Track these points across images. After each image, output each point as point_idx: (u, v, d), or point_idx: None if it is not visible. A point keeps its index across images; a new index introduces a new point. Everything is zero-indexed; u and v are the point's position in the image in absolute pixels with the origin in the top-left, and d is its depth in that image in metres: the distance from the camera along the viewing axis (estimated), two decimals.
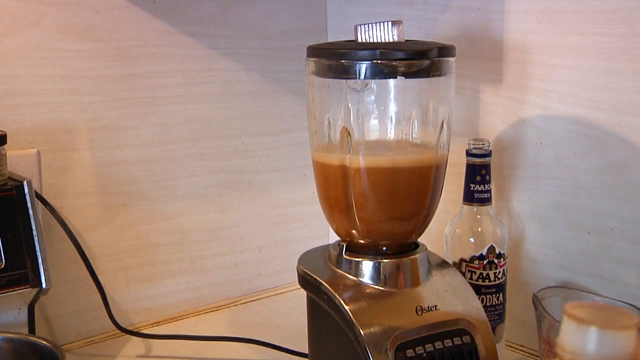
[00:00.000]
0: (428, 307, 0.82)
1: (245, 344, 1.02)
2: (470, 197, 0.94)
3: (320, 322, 0.86)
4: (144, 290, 1.11)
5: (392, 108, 0.86)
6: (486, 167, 0.93)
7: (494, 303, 0.94)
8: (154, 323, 1.12)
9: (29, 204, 0.90)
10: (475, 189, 0.93)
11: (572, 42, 0.94)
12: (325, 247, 0.90)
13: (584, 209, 0.95)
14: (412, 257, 0.84)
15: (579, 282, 0.97)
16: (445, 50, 0.82)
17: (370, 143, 0.86)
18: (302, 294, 0.88)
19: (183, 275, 1.15)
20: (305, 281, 0.86)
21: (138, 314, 1.11)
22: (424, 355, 0.79)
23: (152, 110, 1.08)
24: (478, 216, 0.94)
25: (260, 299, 1.21)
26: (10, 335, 0.83)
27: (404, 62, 0.79)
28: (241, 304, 1.19)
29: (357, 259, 0.84)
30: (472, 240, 0.94)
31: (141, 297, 1.11)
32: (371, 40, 0.83)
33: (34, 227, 0.89)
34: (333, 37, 1.23)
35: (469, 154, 0.93)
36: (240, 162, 1.18)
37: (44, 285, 0.89)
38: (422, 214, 0.85)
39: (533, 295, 0.89)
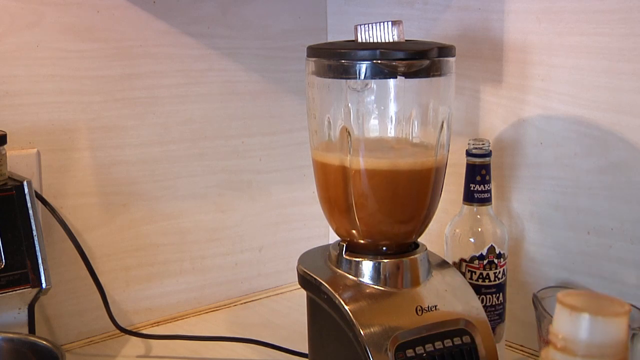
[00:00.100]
0: (428, 307, 0.82)
1: (245, 344, 1.02)
2: (470, 197, 0.94)
3: (320, 322, 0.86)
4: (144, 290, 1.11)
5: (392, 108, 0.86)
6: (486, 167, 0.93)
7: (494, 303, 0.94)
8: (154, 323, 1.12)
9: (29, 204, 0.90)
10: (475, 189, 0.93)
11: (572, 42, 0.94)
12: (325, 247, 0.90)
13: (584, 209, 0.95)
14: (412, 257, 0.84)
15: (579, 282, 0.97)
16: (445, 50, 0.82)
17: (371, 143, 0.86)
18: (302, 294, 0.88)
19: (183, 275, 1.15)
20: (305, 281, 0.86)
21: (138, 314, 1.11)
22: (424, 355, 0.79)
23: (152, 110, 1.08)
24: (478, 216, 0.94)
25: (260, 299, 1.21)
26: (10, 335, 0.83)
27: (404, 62, 0.79)
28: (241, 304, 1.19)
29: (357, 259, 0.84)
30: (472, 240, 0.94)
31: (141, 297, 1.11)
32: (371, 40, 0.83)
33: (34, 227, 0.89)
34: (333, 37, 1.23)
35: (469, 154, 0.93)
36: (240, 162, 1.18)
37: (44, 285, 0.89)
38: (422, 214, 0.85)
39: (533, 295, 0.89)
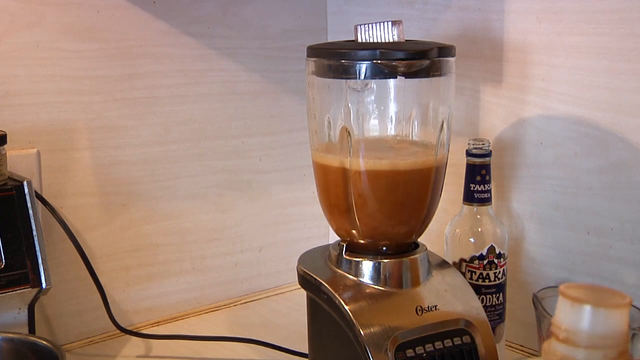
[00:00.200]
0: (428, 307, 0.82)
1: (245, 344, 1.02)
2: (470, 197, 0.94)
3: (320, 322, 0.86)
4: (144, 290, 1.11)
5: (392, 108, 0.86)
6: (486, 167, 0.93)
7: (494, 303, 0.94)
8: (154, 323, 1.12)
9: (29, 204, 0.90)
10: (475, 189, 0.93)
11: (572, 42, 0.94)
12: (325, 247, 0.90)
13: (584, 209, 0.95)
14: (412, 257, 0.84)
15: (579, 282, 0.97)
16: (445, 50, 0.82)
17: (371, 143, 0.86)
18: (302, 294, 0.88)
19: (183, 275, 1.15)
20: (305, 281, 0.86)
21: (138, 314, 1.11)
22: (424, 355, 0.79)
23: (152, 110, 1.08)
24: (478, 216, 0.94)
25: (260, 299, 1.21)
26: (10, 335, 0.83)
27: (404, 62, 0.79)
28: (241, 304, 1.19)
29: (357, 259, 0.84)
30: (472, 240, 0.94)
31: (141, 297, 1.11)
32: (371, 40, 0.83)
33: (34, 227, 0.89)
34: (333, 37, 1.23)
35: (469, 154, 0.93)
36: (240, 162, 1.18)
37: (44, 285, 0.89)
38: (422, 214, 0.85)
39: (533, 295, 0.89)
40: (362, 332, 0.78)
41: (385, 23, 0.83)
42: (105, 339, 1.06)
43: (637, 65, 0.89)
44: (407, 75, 0.80)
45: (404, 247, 0.86)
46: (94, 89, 1.03)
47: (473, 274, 0.93)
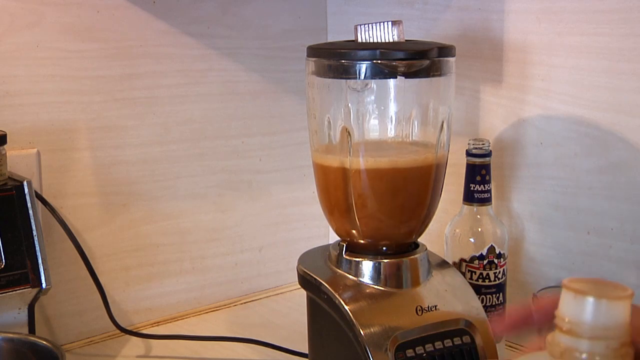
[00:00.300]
0: (428, 307, 0.82)
1: (245, 344, 1.02)
2: (470, 197, 0.94)
3: (320, 322, 0.86)
4: (144, 290, 1.11)
5: (392, 108, 0.86)
6: (486, 167, 0.93)
7: (494, 303, 0.94)
8: (154, 323, 1.12)
9: (29, 204, 0.90)
10: (475, 189, 0.93)
11: (572, 42, 0.94)
12: (325, 247, 0.90)
13: (584, 209, 0.95)
14: (412, 257, 0.84)
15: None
16: (445, 50, 0.82)
17: (371, 143, 0.86)
18: (302, 294, 0.88)
19: (183, 275, 1.15)
20: (305, 281, 0.86)
21: (138, 314, 1.11)
22: (424, 355, 0.79)
23: (152, 110, 1.08)
24: (478, 216, 0.94)
25: (260, 299, 1.21)
26: (10, 335, 0.83)
27: (404, 62, 0.79)
28: (241, 304, 1.19)
29: (357, 259, 0.84)
30: (472, 240, 0.94)
31: (141, 297, 1.11)
32: (371, 40, 0.83)
33: (34, 227, 0.89)
34: (333, 37, 1.23)
35: (469, 154, 0.93)
36: (240, 162, 1.18)
37: (44, 285, 0.89)
38: (422, 214, 0.85)
39: (533, 295, 0.89)
40: (362, 332, 0.78)
41: (385, 23, 0.83)
42: (105, 339, 1.06)
43: (637, 65, 0.89)
44: (407, 75, 0.80)
45: (404, 247, 0.86)
46: (94, 89, 1.03)
47: (473, 274, 0.93)
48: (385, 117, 0.86)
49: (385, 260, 0.83)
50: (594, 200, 0.94)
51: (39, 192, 0.97)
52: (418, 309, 0.81)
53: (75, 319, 1.05)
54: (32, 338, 0.83)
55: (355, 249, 0.85)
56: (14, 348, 0.82)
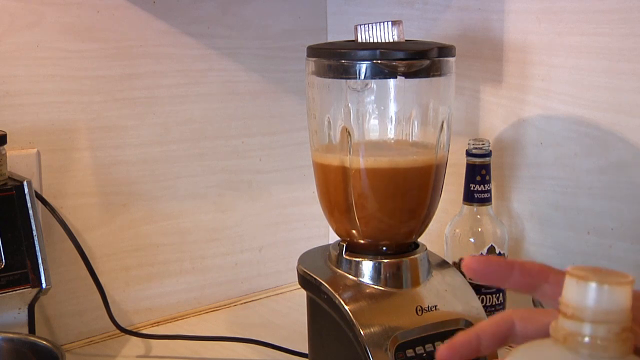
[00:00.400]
0: (428, 307, 0.82)
1: (245, 344, 1.02)
2: (470, 197, 0.94)
3: (320, 322, 0.86)
4: (144, 290, 1.11)
5: (392, 108, 0.86)
6: (486, 167, 0.93)
7: (494, 303, 0.94)
8: (154, 323, 1.12)
9: (29, 204, 0.90)
10: (475, 189, 0.93)
11: (572, 42, 0.94)
12: (325, 247, 0.90)
13: (584, 209, 0.95)
14: (412, 257, 0.84)
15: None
16: (445, 50, 0.82)
17: (371, 143, 0.86)
18: (302, 294, 0.88)
19: (183, 275, 1.15)
20: (305, 281, 0.86)
21: (138, 314, 1.11)
22: (424, 355, 0.79)
23: (152, 110, 1.08)
24: (478, 216, 0.94)
25: (260, 299, 1.21)
26: (10, 335, 0.83)
27: (404, 62, 0.79)
28: (241, 304, 1.19)
29: (357, 259, 0.84)
30: (472, 240, 0.94)
31: (141, 297, 1.11)
32: (371, 40, 0.83)
33: (34, 227, 0.89)
34: (333, 37, 1.23)
35: (469, 154, 0.93)
36: (240, 162, 1.18)
37: (44, 285, 0.89)
38: (422, 214, 0.85)
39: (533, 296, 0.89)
40: (362, 332, 0.78)
41: (385, 23, 0.83)
42: (105, 339, 1.06)
43: (637, 65, 0.89)
44: (407, 75, 0.80)
45: (404, 247, 0.86)
46: (94, 89, 1.03)
47: None
48: (385, 117, 0.86)
49: (385, 260, 0.83)
50: (594, 200, 0.94)
51: (39, 192, 0.97)
52: (418, 309, 0.81)
53: (75, 319, 1.05)
54: (32, 338, 0.83)
55: (355, 249, 0.85)
56: (14, 348, 0.82)
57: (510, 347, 0.48)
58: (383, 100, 0.85)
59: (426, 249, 0.87)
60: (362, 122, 0.85)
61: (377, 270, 0.83)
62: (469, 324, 0.82)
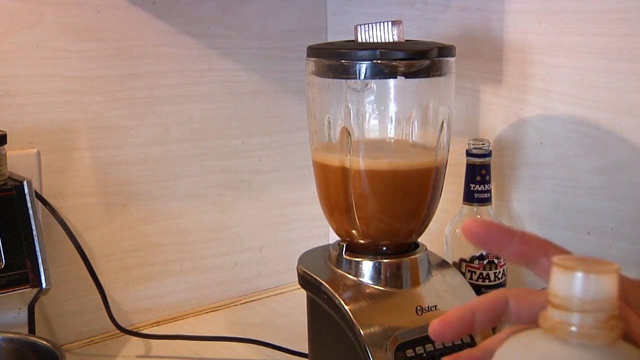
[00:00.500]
0: (428, 307, 0.82)
1: (245, 344, 1.02)
2: (470, 197, 0.94)
3: (320, 322, 0.86)
4: (144, 290, 1.11)
5: (392, 108, 0.86)
6: (486, 167, 0.93)
7: None
8: (154, 323, 1.12)
9: (29, 204, 0.90)
10: (475, 189, 0.93)
11: (572, 42, 0.94)
12: (325, 247, 0.90)
13: (584, 209, 0.95)
14: (412, 257, 0.84)
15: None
16: (445, 50, 0.82)
17: (371, 143, 0.86)
18: (302, 294, 0.88)
19: (183, 275, 1.15)
20: (305, 281, 0.86)
21: (138, 314, 1.11)
22: (424, 355, 0.79)
23: (152, 110, 1.08)
24: (478, 216, 0.94)
25: (260, 299, 1.21)
26: (10, 335, 0.83)
27: (404, 62, 0.79)
28: (241, 304, 1.19)
29: (357, 259, 0.84)
30: None
31: (141, 297, 1.11)
32: (371, 40, 0.83)
33: (34, 227, 0.89)
34: (333, 37, 1.23)
35: (469, 154, 0.93)
36: (240, 162, 1.18)
37: (44, 285, 0.89)
38: (422, 214, 0.85)
39: None
40: (362, 332, 0.78)
41: (385, 23, 0.83)
42: (105, 339, 1.06)
43: (637, 65, 0.89)
44: (407, 75, 0.80)
45: (404, 247, 0.86)
46: (94, 89, 1.03)
47: (473, 274, 0.93)
48: (385, 117, 0.86)
49: (385, 260, 0.83)
50: (594, 200, 0.94)
51: (39, 192, 0.97)
52: (418, 309, 0.81)
53: (75, 319, 1.05)
54: (32, 338, 0.83)
55: (355, 249, 0.85)
56: (14, 348, 0.82)
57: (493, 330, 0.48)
58: (383, 100, 0.85)
59: (426, 249, 0.87)
60: (362, 122, 0.85)
61: (377, 270, 0.83)
62: None
